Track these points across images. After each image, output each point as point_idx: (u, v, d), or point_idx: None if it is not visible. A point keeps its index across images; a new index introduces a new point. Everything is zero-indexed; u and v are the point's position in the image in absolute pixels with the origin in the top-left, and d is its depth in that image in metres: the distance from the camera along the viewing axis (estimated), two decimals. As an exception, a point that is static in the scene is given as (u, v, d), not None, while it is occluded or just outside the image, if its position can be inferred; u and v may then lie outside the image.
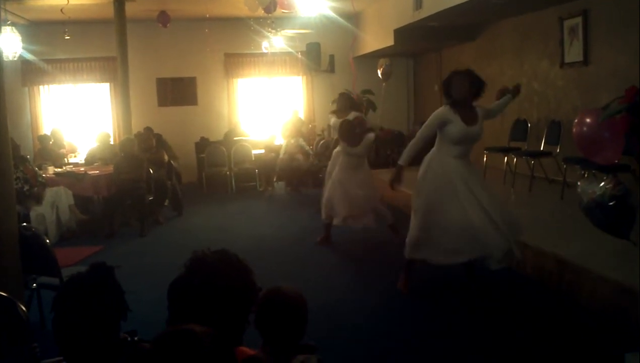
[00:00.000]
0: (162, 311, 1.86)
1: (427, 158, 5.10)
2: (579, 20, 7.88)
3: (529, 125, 8.79)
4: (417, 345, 4.21)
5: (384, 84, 10.78)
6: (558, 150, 7.87)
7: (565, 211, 6.75)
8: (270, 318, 2.06)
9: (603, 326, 4.24)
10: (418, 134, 5.07)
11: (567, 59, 8.22)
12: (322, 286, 5.49)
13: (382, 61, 10.84)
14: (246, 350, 1.75)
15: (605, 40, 7.49)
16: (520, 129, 8.94)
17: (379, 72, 10.79)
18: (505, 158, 8.81)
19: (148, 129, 10.54)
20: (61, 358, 2.00)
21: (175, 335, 1.42)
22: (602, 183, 4.01)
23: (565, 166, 7.33)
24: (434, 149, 5.07)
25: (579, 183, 4.18)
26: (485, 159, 9.11)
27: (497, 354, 3.97)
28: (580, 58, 7.92)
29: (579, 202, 4.21)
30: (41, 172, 8.30)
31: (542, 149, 8.27)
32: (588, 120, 4.06)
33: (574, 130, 4.17)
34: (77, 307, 1.88)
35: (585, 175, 6.70)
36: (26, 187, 7.55)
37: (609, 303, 4.35)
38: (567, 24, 8.13)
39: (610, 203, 3.84)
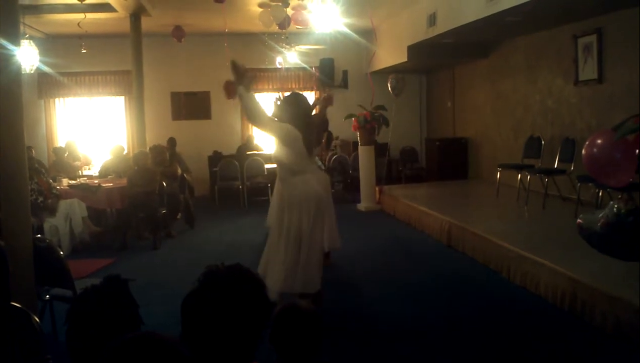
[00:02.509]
0: (175, 325, 1.86)
1: None
2: (593, 38, 7.88)
3: (543, 142, 8.76)
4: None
5: (395, 100, 10.80)
6: (572, 168, 7.84)
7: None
8: (285, 333, 2.06)
9: (617, 347, 4.19)
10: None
11: (582, 77, 8.21)
12: (335, 299, 5.47)
13: (391, 77, 10.88)
14: (259, 365, 1.75)
15: (620, 58, 7.47)
16: (534, 146, 8.91)
17: (389, 88, 10.82)
18: (519, 175, 8.78)
19: (171, 140, 10.63)
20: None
21: (136, 340, 1.44)
22: (611, 204, 3.88)
23: (579, 184, 7.29)
24: None
25: (578, 219, 4.02)
26: (498, 175, 9.08)
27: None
28: (595, 76, 7.90)
29: (586, 237, 4.01)
30: (55, 184, 8.37)
31: (555, 166, 8.24)
32: (599, 141, 3.99)
33: (584, 152, 4.09)
34: (91, 319, 1.89)
35: (600, 194, 6.67)
36: (40, 199, 7.60)
37: (623, 324, 4.30)
38: (581, 41, 8.13)
39: (630, 219, 3.69)
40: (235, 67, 4.86)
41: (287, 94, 5.41)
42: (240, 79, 4.84)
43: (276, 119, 5.06)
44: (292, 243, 4.87)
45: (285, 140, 4.85)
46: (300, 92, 5.78)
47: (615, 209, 3.80)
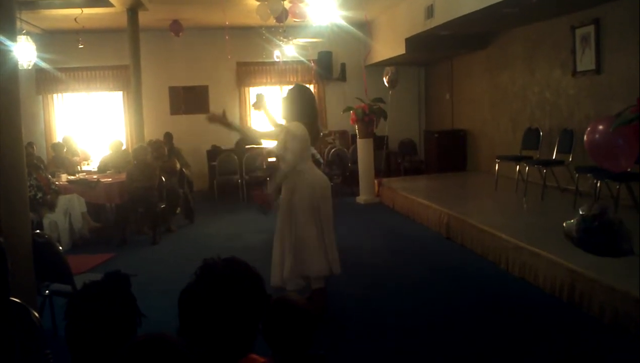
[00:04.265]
0: (175, 319, 1.87)
1: None
2: (591, 28, 7.87)
3: (541, 133, 8.76)
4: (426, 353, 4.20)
5: (390, 92, 10.78)
6: (570, 159, 7.84)
7: (577, 220, 6.72)
8: (276, 328, 2.06)
9: (615, 338, 4.21)
10: None
11: (579, 68, 8.20)
12: (334, 292, 5.48)
13: (387, 69, 10.86)
14: (256, 357, 1.75)
15: (618, 48, 7.46)
16: (532, 138, 8.91)
17: (385, 80, 10.80)
18: (517, 167, 8.78)
19: (167, 135, 10.62)
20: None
21: (147, 342, 1.46)
22: (580, 211, 4.01)
23: (577, 175, 7.30)
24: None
25: (564, 224, 4.15)
26: (497, 167, 9.09)
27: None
28: (593, 66, 7.89)
29: (571, 240, 4.15)
30: (54, 179, 8.37)
31: (554, 157, 8.24)
32: (600, 127, 4.04)
33: (586, 138, 4.15)
34: (91, 314, 1.89)
35: (598, 185, 6.67)
36: (39, 195, 7.61)
37: (621, 315, 4.31)
38: (579, 32, 8.12)
39: (595, 224, 3.82)
40: (216, 119, 5.18)
41: (289, 87, 5.28)
42: (227, 125, 5.21)
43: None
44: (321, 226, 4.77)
45: (292, 142, 4.73)
46: (302, 84, 5.63)
47: (581, 216, 3.92)
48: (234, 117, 13.09)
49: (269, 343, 2.08)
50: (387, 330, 4.66)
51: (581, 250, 3.94)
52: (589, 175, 6.86)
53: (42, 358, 2.41)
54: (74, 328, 1.92)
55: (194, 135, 12.52)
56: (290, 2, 8.89)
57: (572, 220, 4.04)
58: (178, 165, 9.42)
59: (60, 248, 4.66)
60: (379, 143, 11.41)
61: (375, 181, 10.73)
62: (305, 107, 4.90)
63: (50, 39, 11.54)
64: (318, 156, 11.33)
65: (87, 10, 9.23)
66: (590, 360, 3.90)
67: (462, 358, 4.07)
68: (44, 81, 12.34)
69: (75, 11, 9.03)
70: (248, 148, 11.80)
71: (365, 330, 4.66)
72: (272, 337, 2.07)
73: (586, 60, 8.04)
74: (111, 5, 9.22)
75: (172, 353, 1.45)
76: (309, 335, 2.11)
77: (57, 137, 12.15)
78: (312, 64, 12.86)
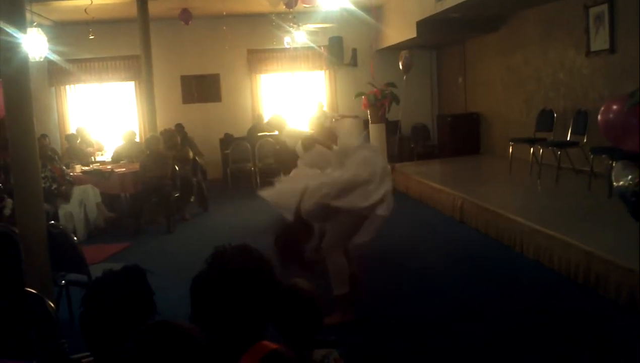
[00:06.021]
0: (189, 307, 1.88)
1: None
2: (604, 7, 7.75)
3: (555, 115, 8.68)
4: (441, 339, 4.20)
5: (404, 76, 10.72)
6: (585, 140, 7.76)
7: (592, 202, 6.67)
8: (286, 315, 2.06)
9: (631, 318, 4.18)
10: None
11: (593, 48, 8.09)
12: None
13: (402, 53, 10.80)
14: (268, 343, 1.76)
15: (632, 27, 7.34)
16: (546, 119, 8.83)
17: (400, 64, 10.74)
18: (532, 149, 8.70)
19: (179, 126, 10.65)
20: (89, 353, 2.03)
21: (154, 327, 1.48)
22: (630, 176, 3.92)
23: (592, 156, 7.22)
24: None
25: (613, 164, 4.06)
26: (511, 150, 9.03)
27: (520, 348, 3.94)
28: (607, 46, 7.79)
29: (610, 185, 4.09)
30: (69, 170, 8.43)
31: (568, 139, 8.16)
32: (614, 107, 4.00)
33: (600, 118, 4.11)
34: (106, 305, 1.92)
35: (613, 165, 6.60)
36: (54, 186, 7.67)
37: (637, 295, 4.28)
38: (593, 11, 8.00)
39: (633, 199, 3.77)
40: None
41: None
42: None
43: None
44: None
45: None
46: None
47: (628, 183, 3.85)
48: (245, 104, 13.12)
49: (278, 329, 2.09)
50: (401, 313, 4.65)
51: (595, 231, 3.93)
52: (603, 156, 6.79)
53: (58, 348, 2.44)
54: (89, 316, 1.94)
55: (207, 124, 12.56)
56: (299, -13, 8.85)
57: (623, 171, 3.94)
58: (191, 154, 9.45)
59: (76, 238, 4.69)
60: (392, 128, 11.36)
61: (389, 166, 10.67)
62: None
63: (61, 31, 11.57)
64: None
65: (97, 1, 9.24)
66: (607, 342, 3.88)
67: (478, 342, 4.06)
68: (56, 73, 12.40)
69: (85, 2, 9.04)
70: (260, 135, 11.78)
71: (377, 314, 4.67)
72: (281, 324, 2.08)
73: (600, 40, 7.93)
74: (120, -5, 9.24)
75: (182, 339, 1.46)
76: (318, 319, 2.11)
77: (71, 128, 12.22)
78: (323, 50, 12.80)
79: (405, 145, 12.94)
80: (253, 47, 12.94)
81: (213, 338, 1.70)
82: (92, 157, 10.63)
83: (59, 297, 4.64)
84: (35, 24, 8.82)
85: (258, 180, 11.33)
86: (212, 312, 1.71)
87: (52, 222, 5.15)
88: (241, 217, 8.82)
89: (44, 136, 9.92)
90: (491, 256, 6.06)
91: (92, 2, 9.03)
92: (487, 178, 9.79)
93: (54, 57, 10.23)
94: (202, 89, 13.03)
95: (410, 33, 10.68)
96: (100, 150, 11.53)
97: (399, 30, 11.46)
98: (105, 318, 1.90)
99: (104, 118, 12.82)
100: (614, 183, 4.02)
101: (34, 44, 8.34)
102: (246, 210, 9.25)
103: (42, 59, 9.04)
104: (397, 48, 11.82)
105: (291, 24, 10.81)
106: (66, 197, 7.86)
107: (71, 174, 8.37)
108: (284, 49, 12.55)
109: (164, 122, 10.71)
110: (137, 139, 11.00)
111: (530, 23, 9.78)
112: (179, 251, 7.08)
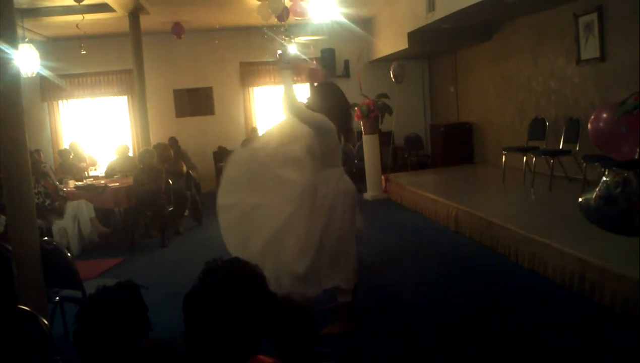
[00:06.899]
0: (184, 323, 1.87)
1: None
2: (594, 16, 7.81)
3: (547, 123, 8.72)
4: (433, 344, 4.19)
5: (398, 86, 10.77)
6: (577, 148, 7.80)
7: (586, 209, 6.68)
8: (279, 327, 2.05)
9: (626, 326, 4.18)
10: None
11: (584, 56, 8.15)
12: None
13: (393, 64, 10.86)
14: (264, 358, 1.75)
15: (622, 35, 7.41)
16: (538, 128, 8.87)
17: (392, 75, 10.80)
18: (524, 158, 8.74)
19: (172, 140, 10.63)
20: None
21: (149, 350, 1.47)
22: (603, 179, 3.94)
23: (585, 164, 7.25)
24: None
25: (579, 199, 4.08)
26: (504, 159, 9.05)
27: (516, 357, 3.94)
28: (597, 54, 7.84)
29: (585, 213, 4.07)
30: (62, 186, 8.40)
31: (561, 147, 8.19)
32: (604, 115, 4.02)
33: (590, 126, 4.13)
34: (100, 321, 1.91)
35: (606, 173, 6.63)
36: (47, 202, 7.64)
37: (632, 303, 4.28)
38: (582, 20, 8.07)
39: (618, 191, 3.76)
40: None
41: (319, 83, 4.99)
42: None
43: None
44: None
45: (320, 131, 4.46)
46: (333, 82, 5.13)
47: (605, 183, 3.87)
48: (238, 117, 13.12)
49: (273, 343, 2.08)
50: (398, 324, 4.64)
51: (589, 239, 3.92)
52: (596, 164, 6.82)
53: (52, 365, 2.42)
54: (83, 332, 1.93)
55: (200, 137, 12.57)
56: (290, 0, 8.88)
57: (589, 191, 3.99)
58: (185, 168, 9.44)
59: (69, 254, 4.67)
60: (385, 139, 11.39)
61: (382, 177, 10.71)
62: (333, 104, 4.61)
63: (54, 46, 11.58)
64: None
65: (89, 16, 9.25)
66: (603, 349, 3.88)
67: (474, 352, 4.05)
68: (48, 88, 12.37)
69: (77, 17, 9.05)
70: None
71: (374, 325, 4.65)
72: (276, 337, 2.07)
73: (590, 48, 7.98)
74: (112, 10, 9.24)
75: (175, 360, 1.45)
76: (312, 332, 2.11)
77: (64, 144, 12.18)
78: (314, 62, 12.83)
79: (398, 156, 12.98)
80: (245, 60, 12.97)
81: (209, 354, 1.69)
82: (86, 172, 10.59)
83: (53, 314, 4.62)
84: (27, 39, 8.84)
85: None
86: (206, 328, 1.70)
87: (46, 238, 5.13)
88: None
89: (37, 152, 9.91)
90: (486, 265, 6.06)
91: (83, 17, 9.04)
92: (481, 187, 9.81)
93: (46, 72, 10.22)
94: (195, 102, 13.04)
95: (402, 44, 10.74)
96: (93, 165, 11.49)
97: (391, 41, 11.52)
98: (99, 334, 1.90)
99: (97, 133, 12.79)
100: (586, 204, 4.02)
101: (26, 59, 8.35)
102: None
103: (34, 75, 9.03)
104: (389, 59, 11.88)
105: (283, 37, 10.85)
106: (60, 213, 7.84)
107: (64, 189, 8.34)
108: (276, 62, 12.56)
109: (157, 136, 10.70)
110: (131, 153, 10.98)
111: (521, 32, 9.85)
112: (174, 265, 7.05)
